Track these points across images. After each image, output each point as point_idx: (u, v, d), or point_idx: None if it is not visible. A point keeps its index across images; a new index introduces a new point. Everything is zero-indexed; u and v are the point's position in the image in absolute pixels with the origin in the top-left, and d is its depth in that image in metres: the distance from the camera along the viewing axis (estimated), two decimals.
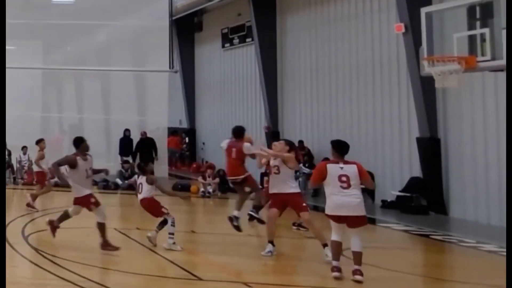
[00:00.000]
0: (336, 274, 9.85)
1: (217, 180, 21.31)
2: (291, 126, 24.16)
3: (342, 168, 9.86)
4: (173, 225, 12.12)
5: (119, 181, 22.87)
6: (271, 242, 11.82)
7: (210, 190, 21.06)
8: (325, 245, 11.07)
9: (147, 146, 24.67)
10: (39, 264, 10.69)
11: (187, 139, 31.44)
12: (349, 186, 9.74)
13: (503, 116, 15.38)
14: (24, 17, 26.37)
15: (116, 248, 11.59)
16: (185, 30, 31.55)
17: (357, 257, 9.76)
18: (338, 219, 9.87)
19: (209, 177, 21.43)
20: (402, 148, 18.83)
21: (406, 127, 18.66)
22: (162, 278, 10.31)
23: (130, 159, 24.36)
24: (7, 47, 27.39)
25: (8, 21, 25.34)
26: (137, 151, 24.82)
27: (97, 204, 12.01)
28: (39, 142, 18.39)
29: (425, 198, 17.70)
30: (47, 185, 17.95)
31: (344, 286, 9.71)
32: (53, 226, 12.44)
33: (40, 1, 27.66)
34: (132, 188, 21.73)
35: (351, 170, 9.84)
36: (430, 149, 17.49)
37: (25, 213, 16.16)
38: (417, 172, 18.10)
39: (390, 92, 19.34)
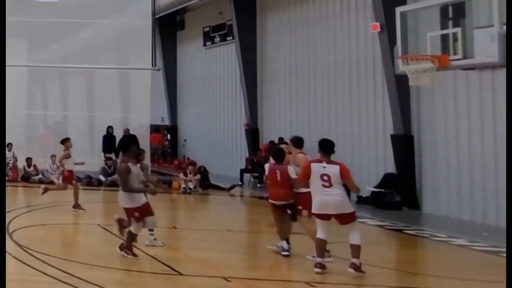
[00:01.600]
0: (318, 270, 9.92)
1: (198, 176, 21.37)
2: (270, 124, 24.25)
3: (324, 167, 9.95)
4: None
5: (102, 177, 22.84)
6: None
7: (192, 187, 21.07)
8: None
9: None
10: (22, 260, 10.64)
11: (169, 136, 31.47)
12: (330, 185, 9.83)
13: (475, 114, 15.64)
14: (8, 15, 26.11)
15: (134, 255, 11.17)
16: (168, 28, 31.56)
17: (355, 250, 9.87)
18: (323, 216, 10.00)
19: (190, 173, 21.44)
20: (377, 145, 18.96)
21: (381, 124, 18.79)
22: (144, 273, 10.34)
23: (113, 156, 24.31)
24: None
25: None
26: (120, 148, 24.75)
27: (140, 218, 11.12)
28: (65, 141, 17.17)
29: (399, 194, 17.84)
30: (74, 184, 16.79)
31: (325, 280, 9.83)
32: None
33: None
34: (115, 184, 21.83)
35: (333, 170, 9.92)
36: (404, 146, 17.62)
37: (10, 209, 16.10)
38: (391, 168, 18.25)
39: (366, 90, 19.45)
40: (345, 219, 9.96)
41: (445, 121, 16.72)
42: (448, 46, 13.67)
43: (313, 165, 10.10)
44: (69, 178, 16.85)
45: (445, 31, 13.90)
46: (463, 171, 16.07)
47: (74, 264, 10.41)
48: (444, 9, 14.27)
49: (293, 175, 11.11)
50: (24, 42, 28.78)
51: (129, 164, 11.23)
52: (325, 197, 9.85)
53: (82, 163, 18.01)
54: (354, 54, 20.05)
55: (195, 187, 21.11)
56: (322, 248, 10.08)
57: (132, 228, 11.04)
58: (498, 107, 14.66)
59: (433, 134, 17.08)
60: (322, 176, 9.91)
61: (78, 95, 28.45)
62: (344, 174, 10.01)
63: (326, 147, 10.28)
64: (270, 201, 11.64)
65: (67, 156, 16.94)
